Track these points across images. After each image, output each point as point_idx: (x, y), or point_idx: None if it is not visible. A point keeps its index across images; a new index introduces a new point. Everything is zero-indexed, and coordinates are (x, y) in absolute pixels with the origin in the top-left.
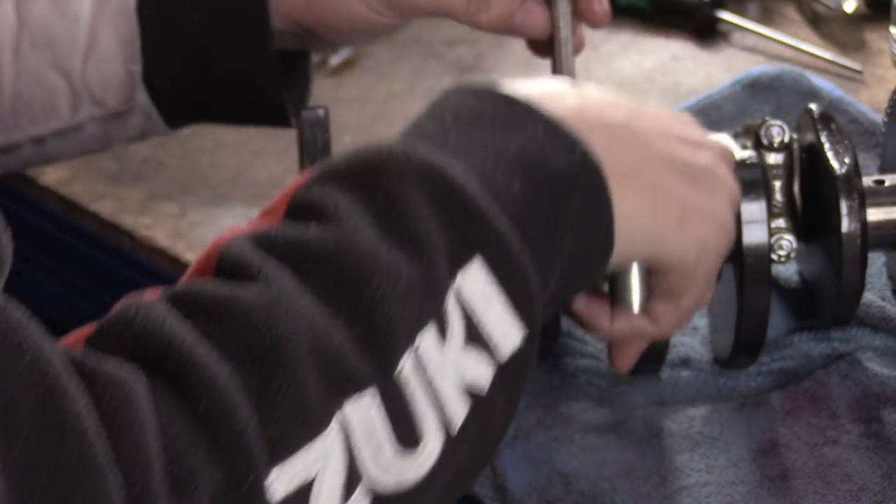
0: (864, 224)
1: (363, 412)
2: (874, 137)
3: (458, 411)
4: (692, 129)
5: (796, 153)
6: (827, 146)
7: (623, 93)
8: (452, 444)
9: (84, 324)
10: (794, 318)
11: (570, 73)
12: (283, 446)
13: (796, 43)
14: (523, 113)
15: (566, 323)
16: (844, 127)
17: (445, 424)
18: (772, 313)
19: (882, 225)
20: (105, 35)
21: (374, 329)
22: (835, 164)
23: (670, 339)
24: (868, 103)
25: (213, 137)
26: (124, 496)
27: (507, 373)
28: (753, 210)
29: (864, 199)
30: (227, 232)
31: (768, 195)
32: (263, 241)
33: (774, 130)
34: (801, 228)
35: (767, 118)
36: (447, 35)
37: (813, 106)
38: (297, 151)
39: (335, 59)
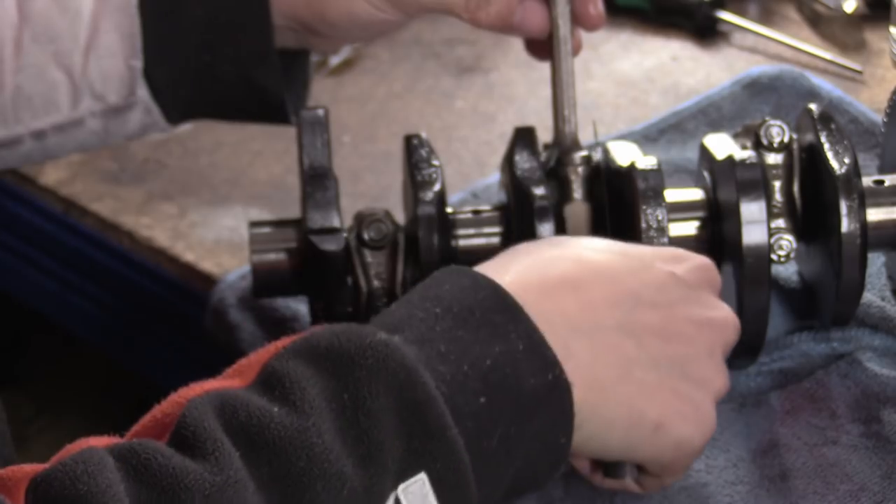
0: (863, 224)
1: None
2: (874, 137)
3: None
4: (694, 295)
5: (796, 153)
6: (826, 146)
7: (624, 94)
8: None
9: (84, 324)
10: (794, 318)
11: (569, 74)
12: None
13: (796, 43)
14: (510, 321)
15: None
16: (844, 127)
17: None
18: (772, 313)
19: (882, 225)
20: (106, 30)
21: None
22: (834, 164)
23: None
24: (868, 103)
25: (213, 137)
26: None
27: None
28: (753, 210)
29: (863, 199)
30: (195, 387)
31: (768, 195)
32: (226, 410)
33: (774, 130)
34: (800, 229)
35: (767, 118)
36: (447, 35)
37: (812, 106)
38: (297, 151)
39: (335, 59)
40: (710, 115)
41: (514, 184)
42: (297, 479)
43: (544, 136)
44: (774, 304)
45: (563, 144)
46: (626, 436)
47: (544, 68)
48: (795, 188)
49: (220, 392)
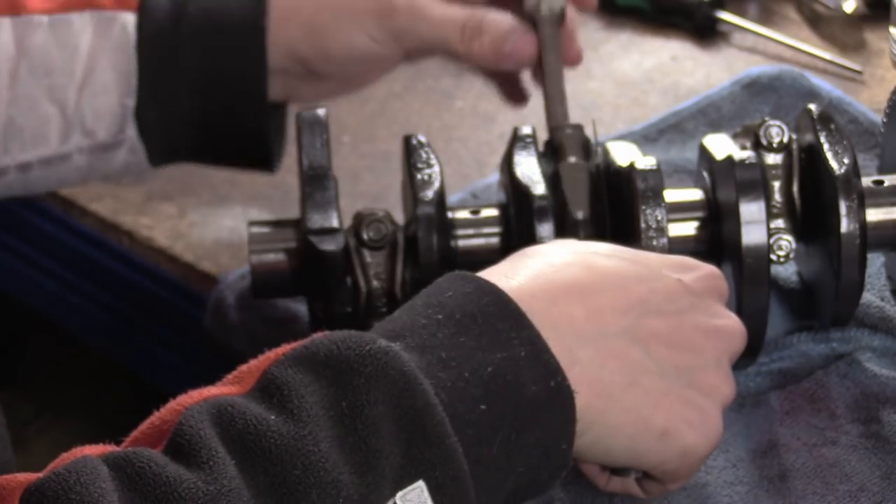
0: (863, 224)
1: None
2: (873, 138)
3: None
4: (702, 303)
5: (795, 154)
6: (826, 147)
7: (623, 94)
8: None
9: (83, 324)
10: (794, 319)
11: (560, 97)
12: None
13: (796, 43)
14: (513, 328)
15: None
16: (844, 127)
17: None
18: (771, 313)
19: (881, 225)
20: (103, 68)
21: None
22: (834, 164)
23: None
24: (867, 103)
25: None
26: None
27: None
28: (753, 210)
29: (863, 199)
30: (194, 394)
31: (767, 196)
32: (223, 418)
33: (773, 131)
34: (800, 229)
35: (767, 118)
36: None
37: (812, 106)
38: (296, 151)
39: None
40: (709, 115)
41: (514, 184)
42: (292, 488)
43: (544, 136)
44: (774, 304)
45: (555, 121)
46: (631, 442)
47: None
48: (795, 188)
49: (217, 399)
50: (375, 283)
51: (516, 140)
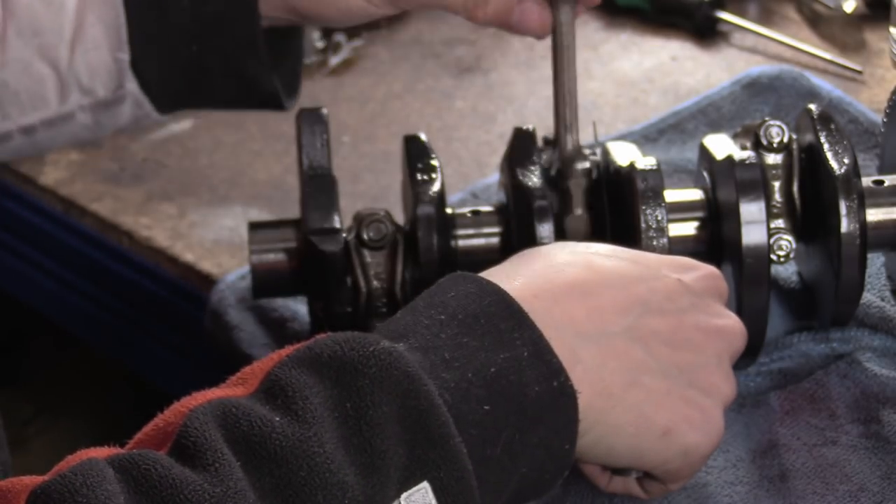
0: (863, 224)
1: None
2: (873, 138)
3: None
4: (702, 303)
5: (795, 153)
6: (826, 147)
7: (623, 94)
8: None
9: (83, 324)
10: (794, 319)
11: (572, 81)
12: None
13: (796, 43)
14: (516, 328)
15: None
16: (844, 127)
17: None
18: (771, 313)
19: (881, 225)
20: (91, 23)
21: None
22: (834, 164)
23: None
24: (867, 103)
25: (212, 137)
26: None
27: None
28: (753, 210)
29: (863, 199)
30: (199, 395)
31: (767, 196)
32: (228, 420)
33: (774, 131)
34: (800, 229)
35: (767, 118)
36: (447, 35)
37: (812, 106)
38: (296, 151)
39: (335, 60)
40: (709, 115)
41: (514, 184)
42: (298, 490)
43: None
44: (774, 304)
45: (565, 152)
46: (633, 442)
47: (544, 68)
48: (795, 188)
49: (222, 401)
50: (375, 283)
51: (516, 140)
